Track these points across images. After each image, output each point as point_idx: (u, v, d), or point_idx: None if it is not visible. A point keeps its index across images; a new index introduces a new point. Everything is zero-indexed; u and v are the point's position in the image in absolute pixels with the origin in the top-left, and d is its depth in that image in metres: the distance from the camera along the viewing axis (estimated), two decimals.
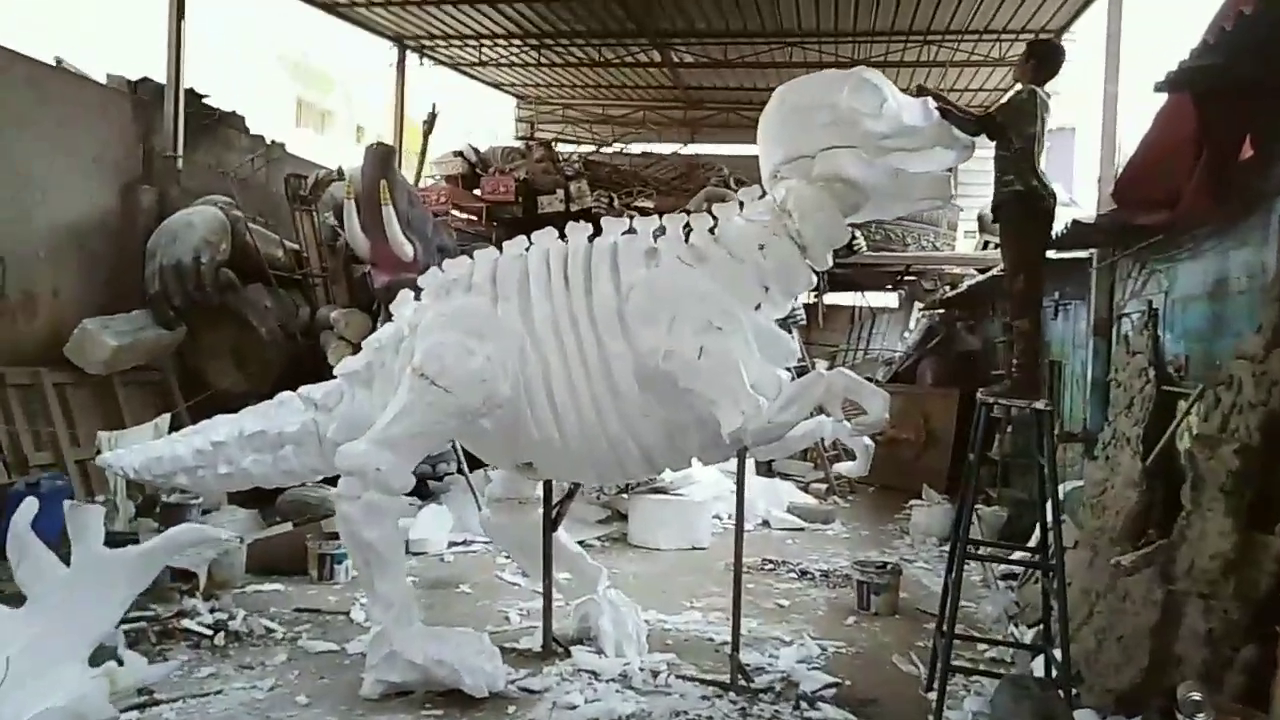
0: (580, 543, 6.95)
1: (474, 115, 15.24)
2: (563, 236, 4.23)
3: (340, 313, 7.26)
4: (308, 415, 4.49)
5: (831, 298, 13.54)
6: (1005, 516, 7.61)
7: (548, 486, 4.42)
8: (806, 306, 11.72)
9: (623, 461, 3.98)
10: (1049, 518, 3.96)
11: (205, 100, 8.15)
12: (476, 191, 10.70)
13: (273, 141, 9.01)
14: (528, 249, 4.22)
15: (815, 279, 4.17)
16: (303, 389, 4.62)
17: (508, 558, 6.37)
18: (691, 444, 4.01)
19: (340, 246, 7.47)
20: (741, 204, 4.18)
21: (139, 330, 6.70)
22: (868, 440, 4.46)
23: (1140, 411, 5.18)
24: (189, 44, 7.70)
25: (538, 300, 4.03)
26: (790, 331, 10.03)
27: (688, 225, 4.15)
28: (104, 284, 7.04)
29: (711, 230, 4.09)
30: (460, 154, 11.43)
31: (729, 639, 4.67)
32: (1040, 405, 3.98)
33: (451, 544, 6.73)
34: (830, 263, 4.11)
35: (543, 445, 4.00)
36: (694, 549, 6.96)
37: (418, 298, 4.37)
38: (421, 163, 11.02)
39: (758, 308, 4.04)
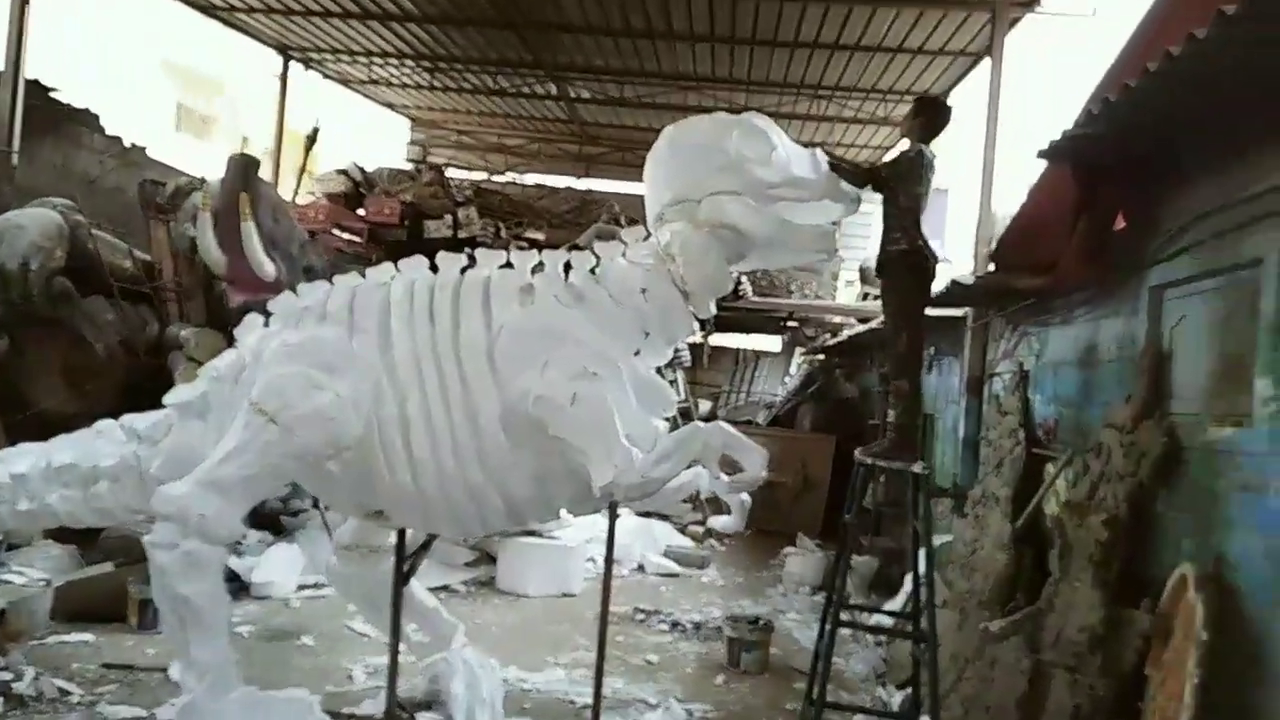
0: (444, 588, 6.60)
1: (365, 135, 14.67)
2: (434, 268, 3.93)
3: (191, 331, 6.68)
4: (129, 448, 3.99)
5: (717, 339, 13.57)
6: (876, 566, 7.63)
7: (401, 535, 4.06)
8: (692, 346, 11.67)
9: (484, 513, 3.68)
10: (921, 584, 3.87)
11: (53, 94, 7.45)
12: (360, 211, 10.20)
13: (133, 145, 8.33)
14: (392, 278, 3.90)
15: (697, 325, 4.00)
16: (125, 418, 4.12)
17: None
18: (561, 496, 3.74)
19: (199, 260, 6.90)
20: (625, 245, 3.98)
21: None
22: (744, 496, 4.29)
23: (1010, 473, 5.23)
24: (41, 36, 7.03)
25: (399, 334, 3.70)
26: (674, 371, 9.98)
27: (568, 263, 3.91)
28: None
29: (593, 270, 3.87)
30: (345, 172, 10.90)
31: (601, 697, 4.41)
32: (917, 469, 3.90)
33: (301, 586, 6.21)
34: (714, 310, 3.95)
35: (396, 493, 3.65)
36: (564, 595, 6.66)
37: (267, 323, 3.98)
38: (300, 178, 10.45)
39: (637, 353, 3.83)
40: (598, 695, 4.02)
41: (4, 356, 6.39)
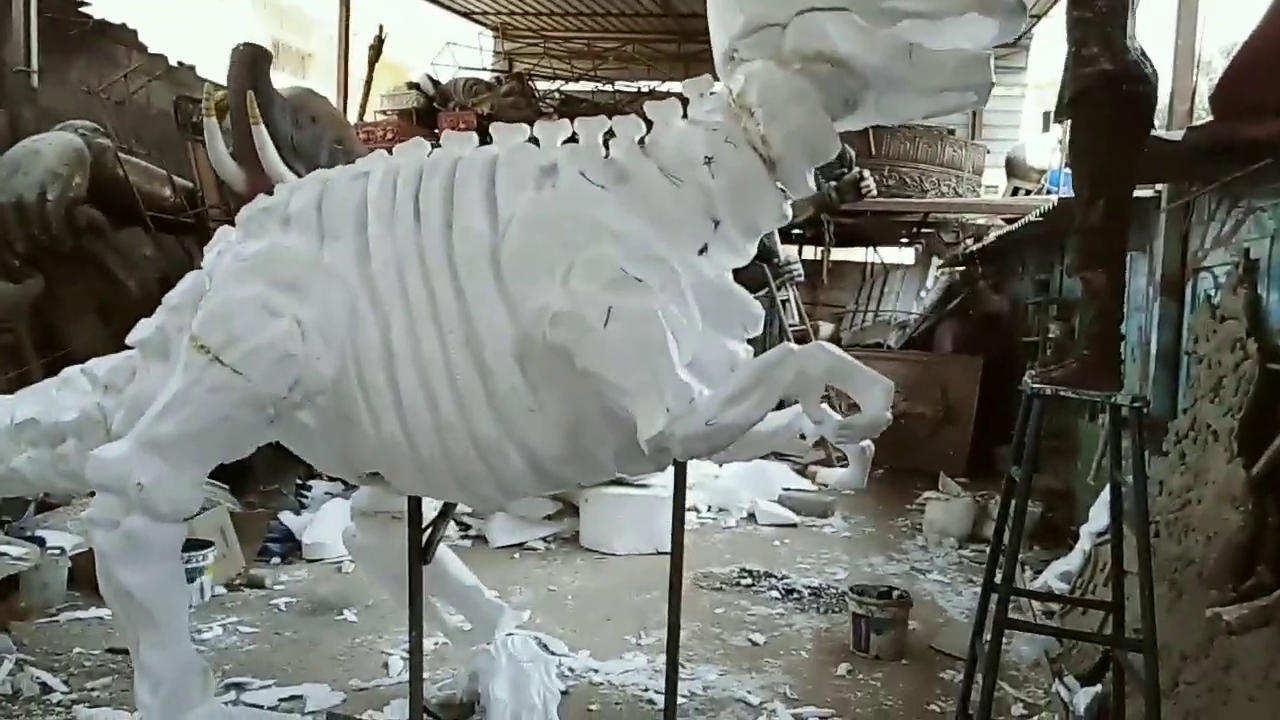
0: (519, 546, 5.78)
1: (444, 51, 13.76)
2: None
3: None
4: (92, 399, 3.22)
5: (839, 252, 12.16)
6: (1039, 513, 6.34)
7: (414, 501, 3.15)
8: (809, 262, 10.37)
9: (501, 476, 2.70)
10: (1137, 565, 2.67)
11: (83, 8, 6.79)
12: (437, 131, 9.35)
13: (179, 63, 7.65)
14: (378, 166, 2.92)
15: (789, 211, 2.85)
16: (91, 362, 3.36)
17: None
18: (604, 451, 2.72)
19: None
20: (686, 102, 2.85)
21: None
22: (865, 443, 3.17)
23: (1236, 397, 3.85)
24: None
25: (377, 240, 2.73)
26: (786, 289, 8.74)
27: (610, 132, 2.82)
28: None
29: (641, 141, 2.76)
30: (416, 86, 10.04)
31: (685, 695, 3.47)
32: (1123, 400, 2.67)
33: None
34: (812, 186, 2.78)
35: (385, 452, 2.72)
36: (658, 553, 5.71)
37: None
38: (367, 94, 9.66)
39: (702, 251, 2.71)
40: (670, 701, 3.03)
41: (38, 296, 5.86)
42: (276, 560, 5.27)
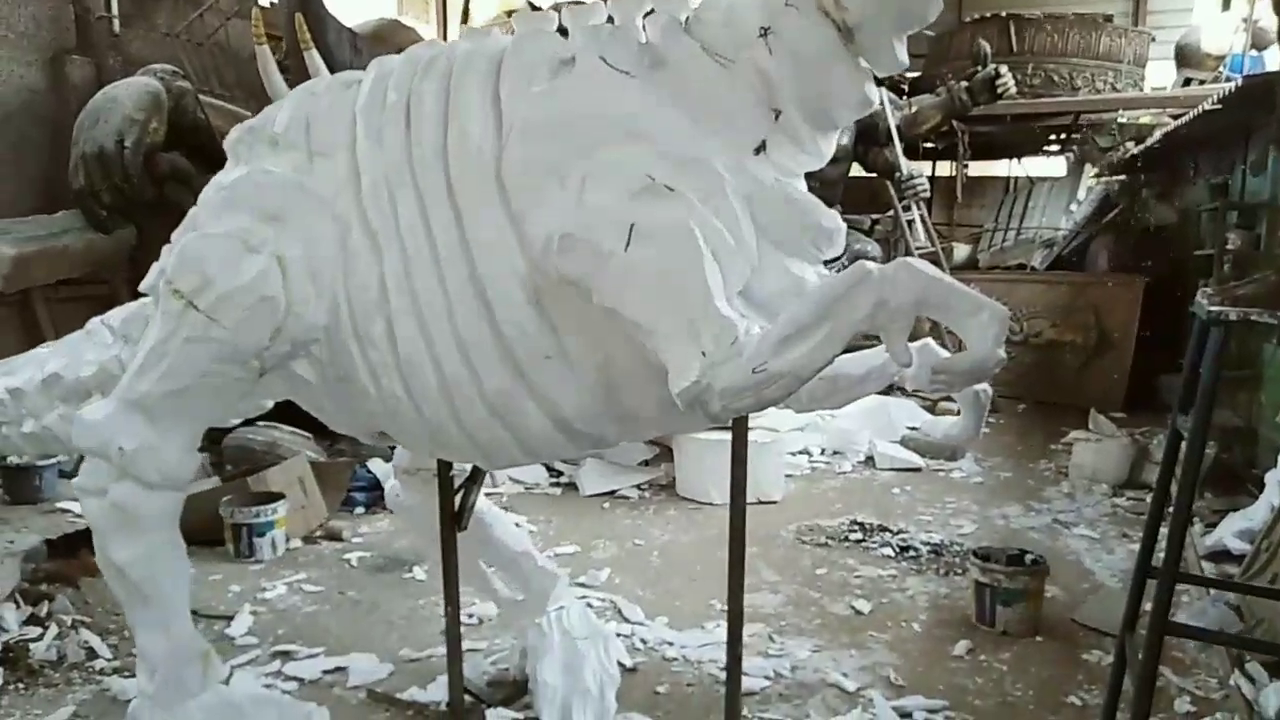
0: (611, 494, 5.39)
1: None
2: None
3: None
4: (111, 350, 2.98)
5: (978, 167, 11.03)
6: (1213, 454, 5.43)
7: (443, 463, 2.76)
8: (939, 179, 9.39)
9: (523, 438, 2.25)
10: None
11: None
12: None
13: (270, 3, 7.45)
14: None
15: (874, 94, 2.22)
16: (111, 312, 3.12)
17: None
18: (644, 405, 2.22)
19: None
20: None
21: (56, 235, 5.42)
22: (981, 387, 2.54)
23: None
24: None
25: (366, 158, 2.28)
26: (913, 208, 7.86)
27: (651, 12, 2.26)
28: (33, 180, 5.79)
29: (686, 20, 2.19)
30: (513, 14, 9.54)
31: (769, 677, 3.05)
32: None
33: None
34: (904, 58, 2.13)
35: (389, 412, 2.32)
36: (760, 503, 5.20)
37: None
38: (465, 22, 9.27)
39: (760, 150, 2.13)
40: (733, 689, 2.56)
41: (132, 248, 5.83)
42: (360, 510, 5.08)
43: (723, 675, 3.15)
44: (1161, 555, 2.16)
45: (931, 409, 7.50)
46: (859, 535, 4.66)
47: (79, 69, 5.95)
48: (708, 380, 1.87)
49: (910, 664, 3.28)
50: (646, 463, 5.75)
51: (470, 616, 3.63)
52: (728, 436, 5.30)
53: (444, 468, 2.74)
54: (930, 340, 2.26)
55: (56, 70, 5.92)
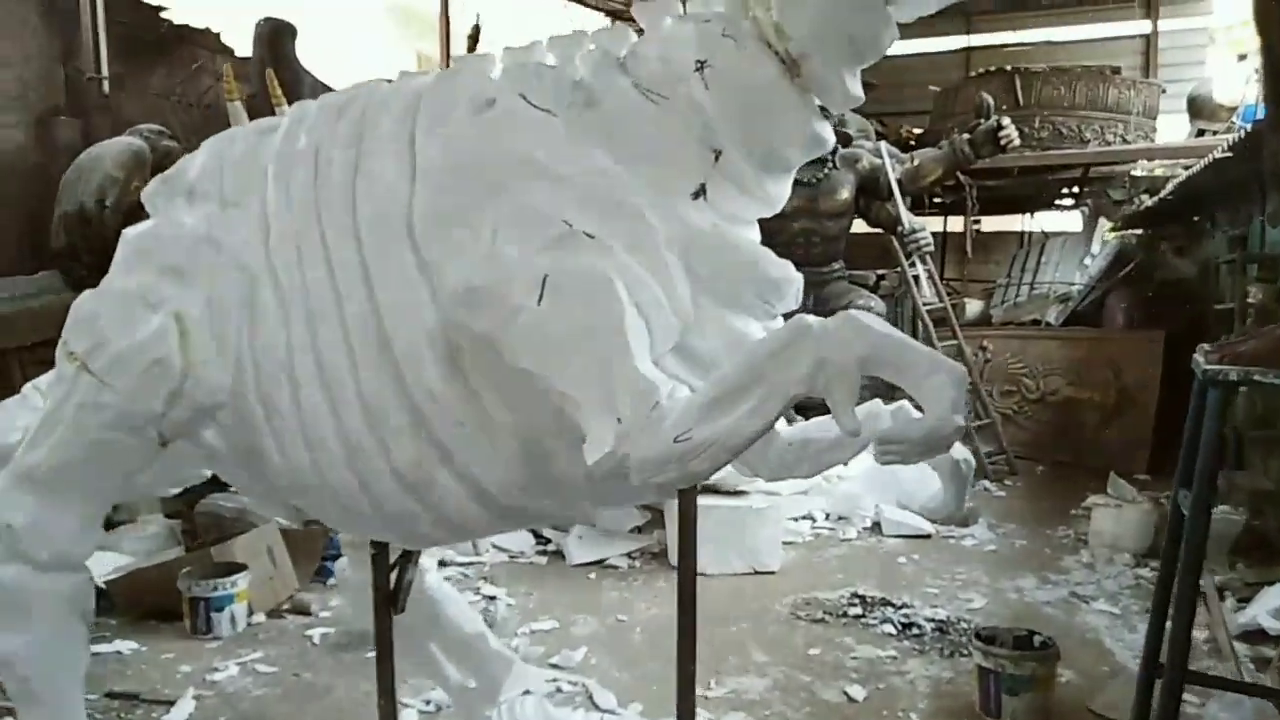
0: (598, 564, 5.12)
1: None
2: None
3: None
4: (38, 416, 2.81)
5: (991, 222, 10.83)
6: (1241, 521, 5.10)
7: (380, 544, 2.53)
8: (948, 235, 9.19)
9: (440, 513, 2.02)
10: None
11: (162, 11, 6.67)
12: None
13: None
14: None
15: (828, 134, 2.02)
16: (43, 376, 2.96)
17: (481, 594, 4.60)
18: (573, 475, 1.99)
19: None
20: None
21: (34, 295, 5.34)
22: (962, 455, 2.29)
23: None
24: None
25: (275, 206, 2.12)
26: (918, 263, 7.63)
27: (595, 46, 2.08)
28: (19, 239, 5.74)
29: (622, 57, 2.01)
30: None
31: None
32: None
33: (443, 564, 5.00)
34: (858, 92, 1.94)
35: (295, 481, 2.11)
36: (755, 573, 4.91)
37: None
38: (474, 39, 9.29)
39: (699, 194, 1.93)
40: None
41: None
42: (333, 581, 4.83)
43: None
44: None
45: None
46: (859, 610, 4.34)
47: (66, 129, 5.94)
48: (624, 450, 1.65)
49: None
50: (639, 529, 5.46)
51: (428, 704, 3.36)
52: (719, 501, 5.05)
53: (380, 544, 2.51)
54: (878, 402, 2.03)
55: (43, 131, 5.91)
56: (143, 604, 4.24)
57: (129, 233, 2.30)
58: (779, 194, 2.06)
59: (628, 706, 3.35)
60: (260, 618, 4.28)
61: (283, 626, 4.22)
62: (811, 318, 1.68)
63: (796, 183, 7.83)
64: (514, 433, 1.92)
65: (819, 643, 3.96)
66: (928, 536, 5.66)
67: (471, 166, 1.88)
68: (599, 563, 5.08)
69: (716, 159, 1.93)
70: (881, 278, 7.86)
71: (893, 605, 4.39)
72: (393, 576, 2.55)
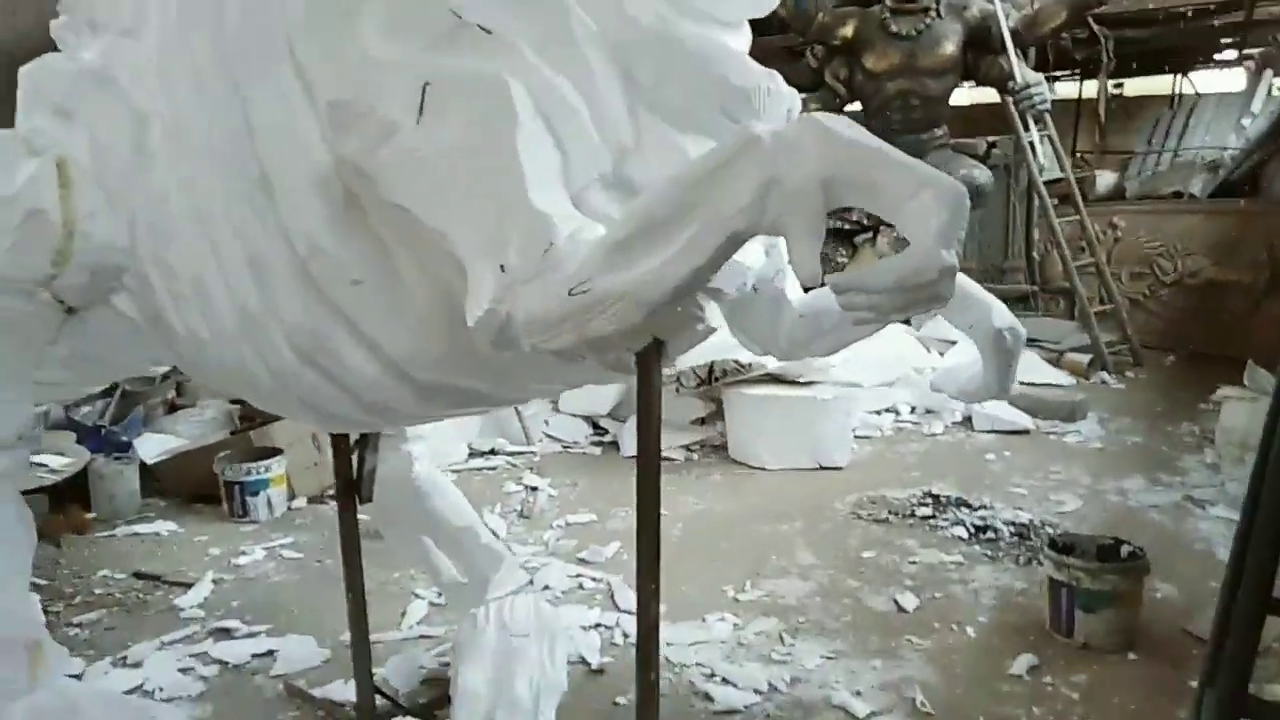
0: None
1: None
2: None
3: None
4: None
5: (1135, 85, 9.56)
6: None
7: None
8: (1077, 101, 8.12)
9: (356, 392, 1.69)
10: None
11: None
12: None
13: None
14: None
15: None
16: None
17: (523, 484, 4.39)
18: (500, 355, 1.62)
19: None
20: None
21: None
22: (1007, 323, 1.81)
23: None
24: None
25: (164, 26, 1.77)
26: (1036, 126, 6.72)
27: None
28: None
29: None
30: None
31: (760, 691, 2.46)
32: None
33: (474, 454, 4.85)
34: None
35: (200, 355, 1.83)
36: (820, 469, 4.50)
37: None
38: None
39: None
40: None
41: None
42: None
43: (708, 682, 2.58)
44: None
45: (1056, 361, 6.50)
46: (928, 510, 3.89)
47: None
48: (506, 307, 1.28)
49: (948, 683, 2.57)
50: (703, 420, 5.12)
51: (440, 596, 3.17)
52: (779, 391, 4.62)
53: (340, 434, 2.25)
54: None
55: None
56: (188, 487, 4.23)
57: (24, 68, 2.01)
58: None
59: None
60: (301, 503, 4.22)
61: (320, 513, 4.13)
62: (761, 125, 1.22)
63: (893, 36, 7.01)
64: (426, 294, 1.57)
65: (876, 545, 3.55)
66: (1025, 432, 5.10)
67: None
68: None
69: None
70: (992, 145, 7.01)
71: (969, 506, 3.92)
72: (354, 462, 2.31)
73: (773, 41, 7.31)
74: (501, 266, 1.28)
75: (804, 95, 7.00)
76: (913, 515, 3.86)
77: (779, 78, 1.60)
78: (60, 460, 3.83)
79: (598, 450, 4.93)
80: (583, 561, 3.46)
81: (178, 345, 1.85)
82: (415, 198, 1.38)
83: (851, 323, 1.41)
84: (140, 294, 1.87)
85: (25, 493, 3.77)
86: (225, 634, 2.96)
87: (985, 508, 3.90)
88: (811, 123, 1.19)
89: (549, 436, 5.01)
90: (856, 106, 6.81)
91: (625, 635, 2.87)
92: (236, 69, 1.59)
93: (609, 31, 1.43)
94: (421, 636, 2.93)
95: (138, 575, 3.44)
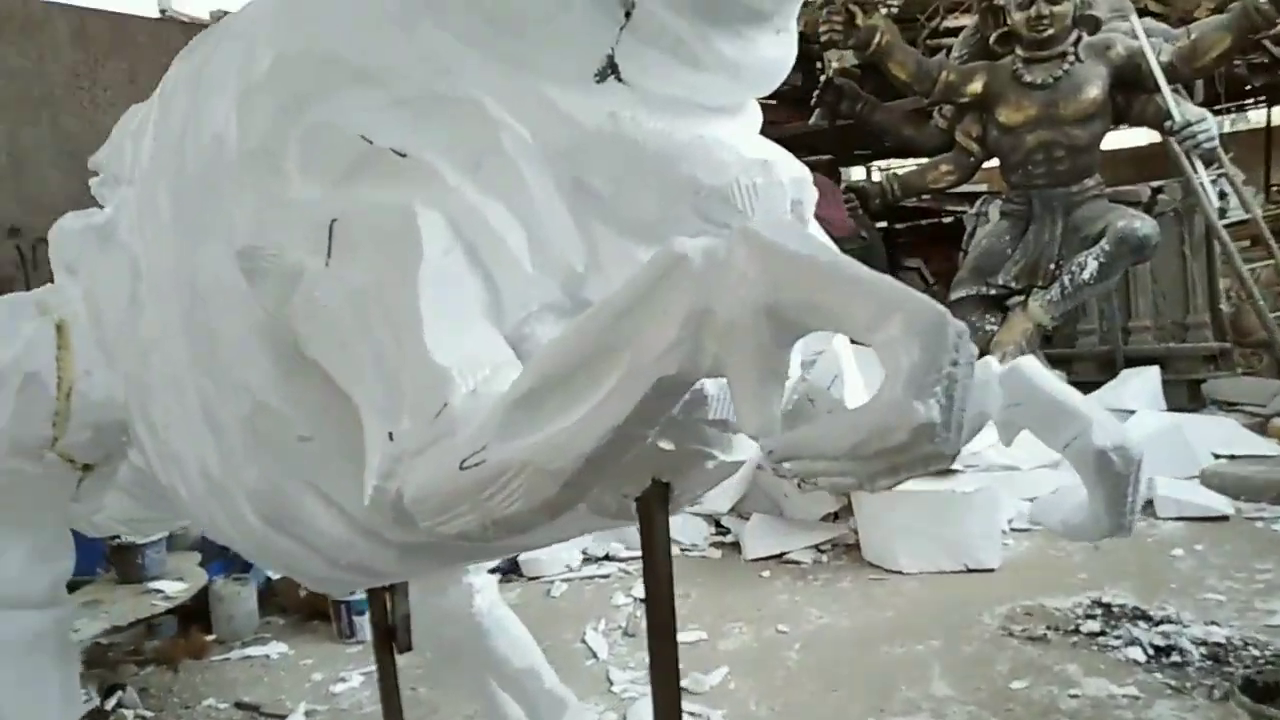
0: (777, 558, 4.43)
1: None
2: None
3: None
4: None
5: None
6: None
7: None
8: (1267, 130, 7.22)
9: (329, 552, 1.51)
10: None
11: None
12: None
13: None
14: None
15: None
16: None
17: (632, 595, 4.12)
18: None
19: None
20: None
21: None
22: (1108, 438, 1.41)
23: None
24: None
25: (142, 178, 1.72)
26: (1209, 170, 5.92)
27: None
28: None
29: None
30: None
31: None
32: None
33: (587, 559, 4.64)
34: None
35: (182, 511, 1.74)
36: (967, 571, 3.97)
37: None
38: None
39: (605, 75, 1.24)
40: None
41: None
42: (497, 576, 4.57)
43: None
44: None
45: (1262, 427, 5.60)
46: (1097, 625, 3.31)
47: None
48: (396, 483, 1.05)
49: None
50: (835, 516, 4.69)
51: None
52: (916, 486, 4.16)
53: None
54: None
55: None
56: (305, 605, 4.23)
57: (51, 230, 2.03)
58: (745, 57, 1.31)
59: None
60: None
61: None
62: (690, 242, 0.96)
63: (1028, 86, 6.46)
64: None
65: (1029, 671, 3.02)
66: (1224, 519, 4.35)
67: (274, 72, 1.35)
68: (779, 556, 4.40)
69: (628, 16, 1.24)
70: (1158, 191, 6.29)
71: (1148, 619, 3.30)
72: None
73: (901, 105, 6.95)
74: (390, 434, 1.07)
75: (935, 158, 6.66)
76: (1077, 631, 3.28)
77: (780, 165, 1.33)
78: (176, 586, 3.91)
79: (718, 553, 4.60)
80: (683, 691, 3.11)
81: (175, 502, 1.75)
82: (323, 351, 1.21)
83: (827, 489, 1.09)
84: (140, 449, 1.80)
85: (156, 616, 3.91)
86: None
87: (1170, 621, 3.27)
88: (748, 236, 0.91)
89: None
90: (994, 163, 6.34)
91: None
92: (191, 219, 1.49)
93: (550, 141, 1.21)
94: None
95: (239, 705, 3.40)
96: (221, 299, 1.41)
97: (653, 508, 1.35)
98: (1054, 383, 1.54)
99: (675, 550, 4.48)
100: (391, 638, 2.15)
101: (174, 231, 1.52)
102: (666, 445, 1.24)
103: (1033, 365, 1.57)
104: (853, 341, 1.18)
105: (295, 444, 1.40)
